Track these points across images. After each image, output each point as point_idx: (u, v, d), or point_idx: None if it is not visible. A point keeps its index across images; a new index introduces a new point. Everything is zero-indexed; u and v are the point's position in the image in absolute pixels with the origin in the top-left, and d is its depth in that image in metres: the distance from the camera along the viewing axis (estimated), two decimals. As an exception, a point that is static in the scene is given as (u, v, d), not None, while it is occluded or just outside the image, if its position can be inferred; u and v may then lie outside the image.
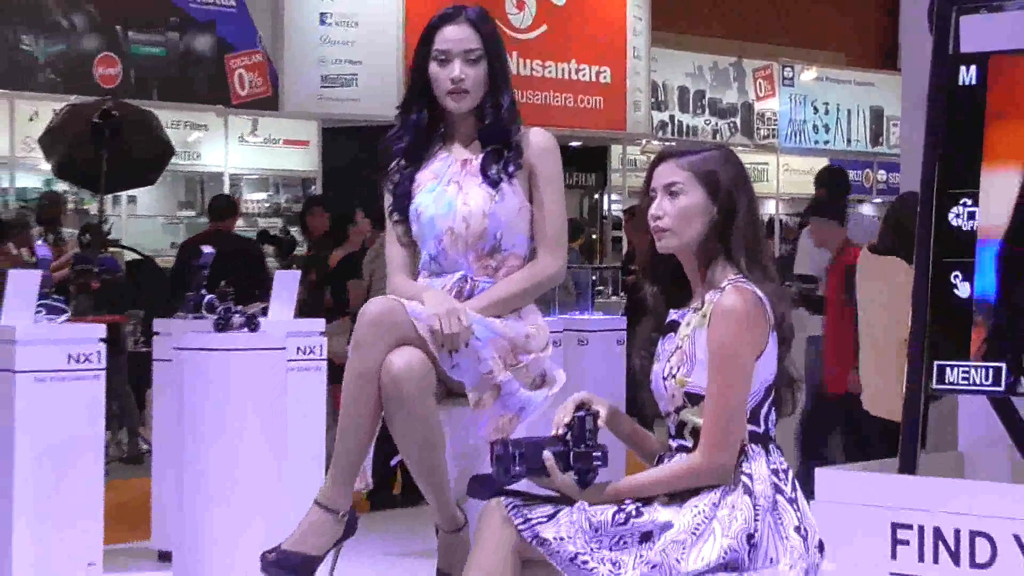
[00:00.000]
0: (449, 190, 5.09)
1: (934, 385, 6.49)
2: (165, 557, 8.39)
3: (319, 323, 9.67)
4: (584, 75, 19.72)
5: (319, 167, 18.74)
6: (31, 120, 16.61)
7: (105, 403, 8.84)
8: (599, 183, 21.94)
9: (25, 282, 8.68)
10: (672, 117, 22.08)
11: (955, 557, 6.19)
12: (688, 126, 22.17)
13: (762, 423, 4.57)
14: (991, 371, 6.34)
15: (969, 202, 6.50)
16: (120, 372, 11.80)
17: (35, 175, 17.45)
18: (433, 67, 5.06)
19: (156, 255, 17.48)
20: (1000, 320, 6.27)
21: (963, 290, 6.41)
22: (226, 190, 18.05)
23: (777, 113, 23.35)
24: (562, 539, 4.40)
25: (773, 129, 23.27)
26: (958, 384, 6.46)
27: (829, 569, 4.68)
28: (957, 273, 6.42)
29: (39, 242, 13.89)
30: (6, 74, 16.36)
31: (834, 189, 12.81)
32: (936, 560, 6.24)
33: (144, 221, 18.30)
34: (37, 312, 8.60)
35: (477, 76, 5.04)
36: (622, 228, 13.32)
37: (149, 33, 17.25)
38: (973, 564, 6.15)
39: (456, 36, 5.05)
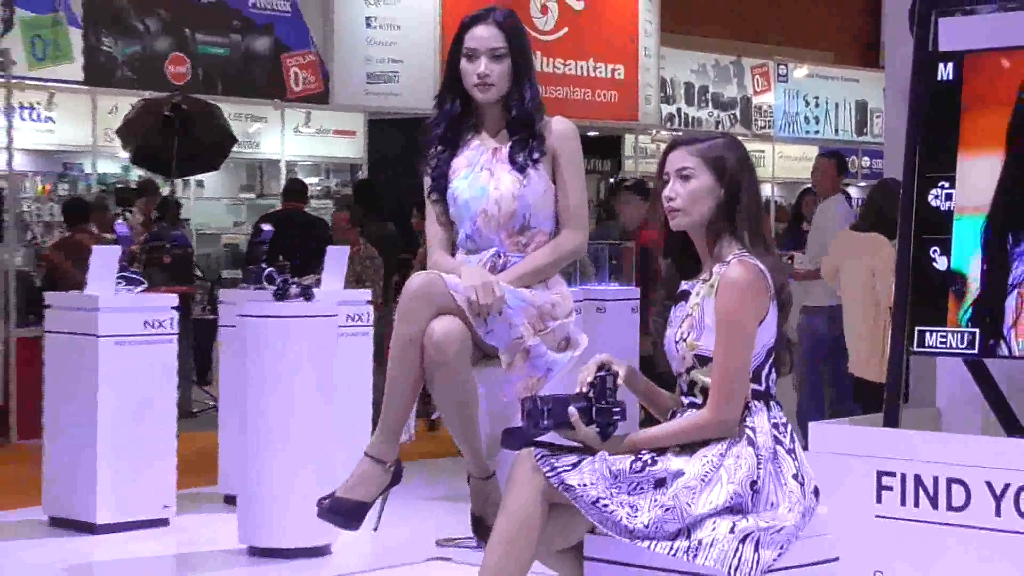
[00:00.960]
0: (482, 176, 5.08)
1: (915, 348, 6.50)
2: (230, 501, 8.41)
3: (366, 293, 9.67)
4: (600, 72, 19.68)
5: (365, 155, 18.74)
6: (110, 113, 16.63)
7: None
8: (614, 168, 21.87)
9: (106, 257, 8.74)
10: (679, 110, 22.05)
11: (933, 502, 6.20)
12: (693, 118, 22.14)
13: (763, 382, 4.56)
14: (966, 336, 6.34)
15: (947, 185, 6.49)
16: (185, 337, 11.82)
17: (114, 162, 17.47)
18: (463, 62, 5.06)
19: (221, 232, 17.58)
20: (974, 290, 6.29)
21: (941, 263, 6.41)
22: (282, 176, 18.09)
23: (772, 106, 23.28)
24: (585, 485, 4.40)
25: (769, 120, 23.22)
26: (936, 347, 6.47)
27: (822, 512, 4.67)
28: (936, 248, 6.43)
29: (118, 221, 13.92)
30: (89, 73, 16.36)
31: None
32: (917, 504, 6.24)
33: (210, 203, 18.29)
34: (117, 283, 8.65)
35: (501, 71, 5.03)
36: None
37: (214, 35, 17.24)
38: (949, 507, 6.15)
39: (483, 35, 5.04)
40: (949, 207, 6.50)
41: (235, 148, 16.16)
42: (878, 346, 7.81)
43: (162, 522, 8.48)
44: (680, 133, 17.09)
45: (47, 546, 8.10)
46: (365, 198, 14.12)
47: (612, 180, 18.15)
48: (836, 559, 4.77)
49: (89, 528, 8.30)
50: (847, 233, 9.26)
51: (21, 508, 8.88)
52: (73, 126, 17.40)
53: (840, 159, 11.71)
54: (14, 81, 13.70)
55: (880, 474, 6.32)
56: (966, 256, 6.45)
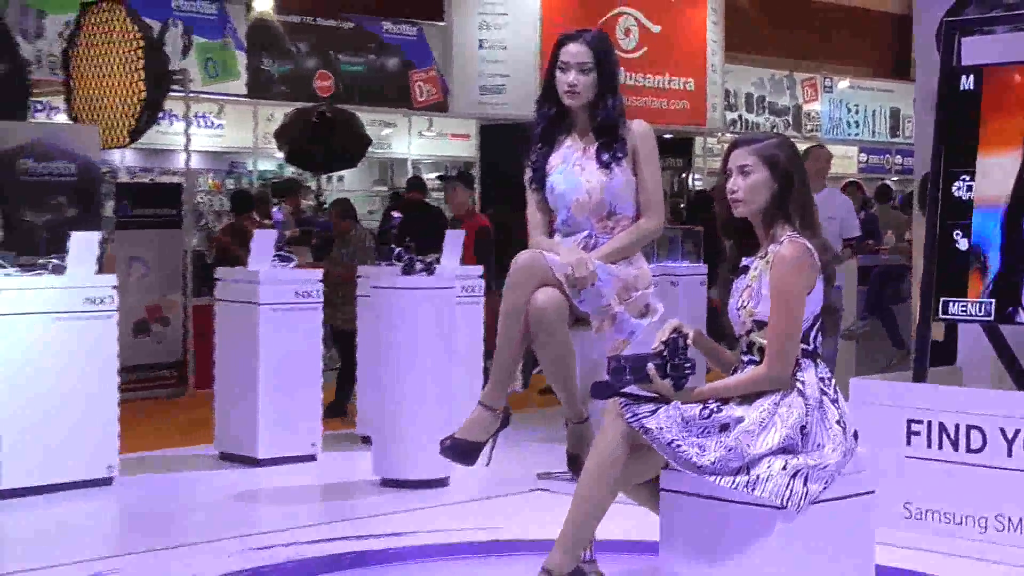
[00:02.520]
0: (575, 171, 5.07)
1: (939, 316, 6.47)
2: (366, 440, 8.43)
3: (478, 269, 9.68)
4: (675, 85, 19.57)
5: (477, 154, 18.78)
6: (268, 120, 16.76)
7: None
8: (685, 165, 21.84)
9: (265, 239, 8.83)
10: (740, 116, 21.93)
11: (955, 445, 6.19)
12: (752, 123, 22.00)
13: (811, 343, 4.54)
14: (983, 305, 6.31)
15: (967, 178, 6.47)
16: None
17: (271, 161, 17.58)
18: (558, 73, 5.06)
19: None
20: (993, 267, 6.25)
21: (962, 244, 6.39)
22: (408, 172, 18.16)
23: (819, 113, 23.08)
24: (661, 428, 4.39)
25: (817, 125, 23.06)
26: (958, 315, 6.44)
27: (860, 453, 4.63)
28: (958, 231, 6.41)
29: (275, 209, 14.03)
30: (251, 87, 16.49)
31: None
32: (940, 447, 6.22)
33: (349, 194, 18.31)
34: (273, 261, 8.72)
35: (587, 82, 5.01)
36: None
37: (353, 56, 17.31)
38: (968, 450, 6.15)
39: (574, 51, 5.03)
40: (969, 197, 6.47)
41: (370, 149, 16.31)
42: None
43: (311, 457, 8.56)
44: (739, 136, 16.88)
45: (218, 476, 8.18)
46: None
47: (443, 173, 18.03)
48: (872, 492, 4.72)
49: (252, 462, 8.39)
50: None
51: (197, 445, 8.98)
52: (238, 132, 17.55)
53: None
54: (191, 95, 13.79)
55: (909, 422, 6.31)
56: (985, 238, 6.41)
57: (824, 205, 7.81)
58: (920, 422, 6.26)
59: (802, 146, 6.98)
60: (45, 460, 7.47)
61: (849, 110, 23.07)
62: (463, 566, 5.61)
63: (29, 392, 7.44)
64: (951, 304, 6.44)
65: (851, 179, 14.81)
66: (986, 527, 6.08)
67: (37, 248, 8.17)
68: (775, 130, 21.41)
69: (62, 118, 13.40)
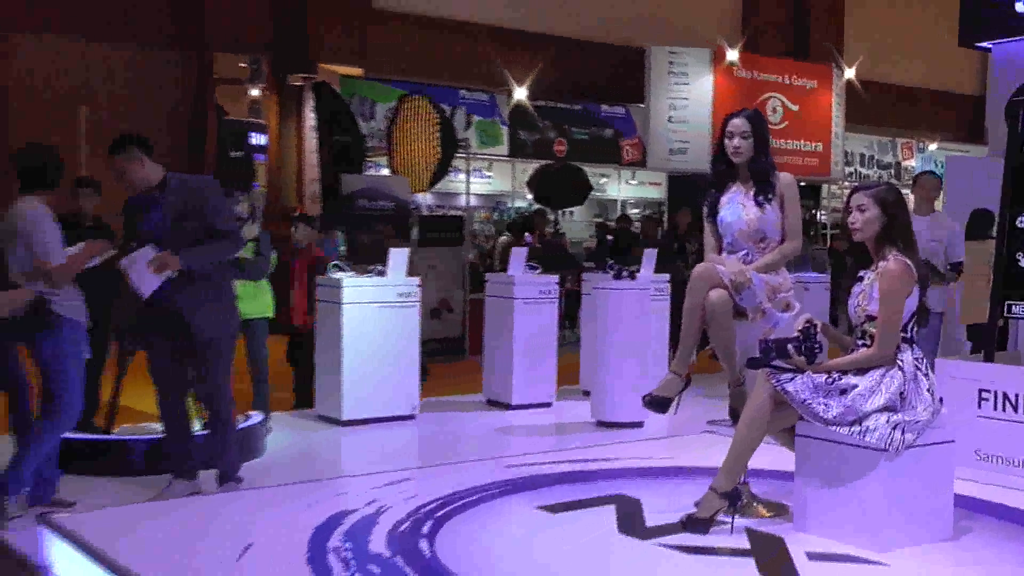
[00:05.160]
0: (739, 208, 5.01)
1: (1006, 315, 6.26)
2: (586, 393, 8.44)
3: (666, 276, 9.58)
4: (808, 147, 19.21)
5: (666, 196, 18.71)
6: (522, 172, 16.93)
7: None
8: (815, 204, 21.32)
9: (519, 254, 8.89)
10: (855, 170, 21.36)
11: (1015, 408, 5.91)
12: (863, 175, 21.42)
13: (909, 332, 4.51)
14: None
15: (1027, 215, 6.22)
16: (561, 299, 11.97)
17: (523, 200, 17.72)
18: (726, 140, 5.01)
19: (582, 241, 17.69)
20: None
21: (1023, 263, 6.13)
22: (618, 209, 18.21)
23: (914, 167, 22.29)
24: (797, 391, 4.40)
25: (912, 177, 22.39)
26: (1019, 314, 6.21)
27: (944, 413, 4.50)
28: (1020, 253, 6.13)
29: (527, 234, 14.14)
30: (511, 150, 16.80)
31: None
32: (1004, 410, 5.95)
33: (576, 223, 18.42)
34: (525, 269, 8.79)
35: (747, 145, 4.96)
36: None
37: (581, 128, 17.40)
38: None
39: (737, 124, 4.97)
40: (1029, 228, 6.22)
41: (592, 193, 16.37)
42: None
43: (547, 404, 8.58)
44: (857, 184, 16.82)
45: (484, 416, 8.27)
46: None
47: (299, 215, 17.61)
48: (952, 441, 4.62)
49: (507, 406, 8.45)
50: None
51: (470, 394, 9.07)
52: (502, 180, 17.84)
53: None
54: (470, 155, 14.05)
55: (980, 391, 6.08)
56: (1038, 259, 6.16)
57: (932, 228, 7.44)
58: (989, 391, 6.04)
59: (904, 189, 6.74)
60: (371, 401, 7.69)
61: (936, 165, 22.19)
62: (653, 483, 5.59)
63: (364, 355, 7.67)
64: (1013, 306, 6.21)
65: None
66: (1037, 470, 5.85)
67: (369, 259, 8.39)
68: (880, 180, 20.87)
69: (385, 172, 13.79)
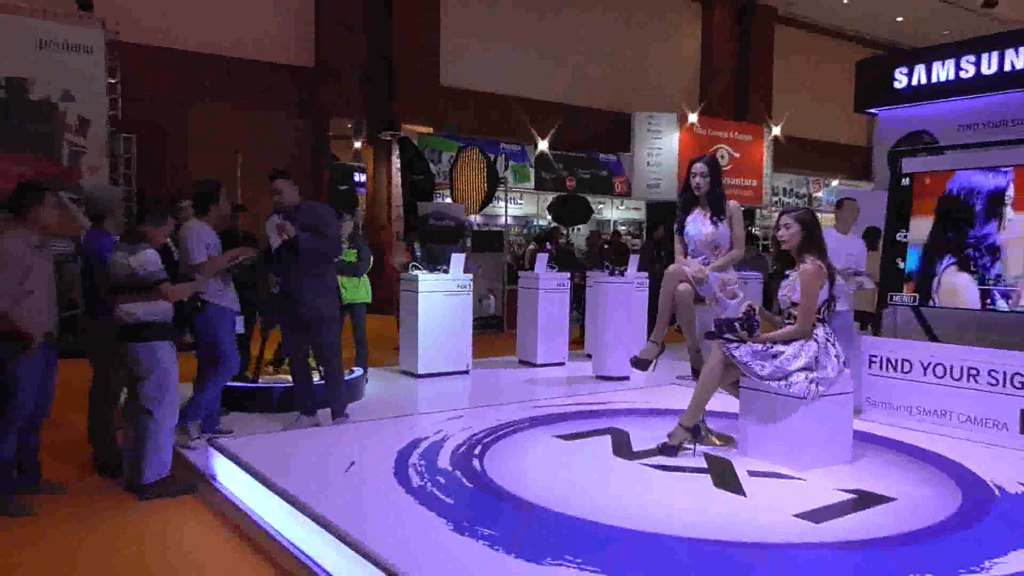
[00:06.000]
0: (699, 225, 4.93)
1: (888, 303, 6.06)
2: (589, 356, 8.34)
3: (644, 274, 9.39)
4: (746, 183, 18.95)
5: (645, 217, 18.50)
6: (544, 200, 16.79)
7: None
8: (751, 223, 20.94)
9: (543, 258, 8.76)
10: (780, 199, 21.01)
11: (894, 368, 5.70)
12: (786, 202, 21.11)
13: (822, 314, 4.37)
14: (911, 297, 5.88)
15: (905, 232, 6.03)
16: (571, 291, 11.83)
17: (544, 220, 17.54)
18: (690, 178, 4.94)
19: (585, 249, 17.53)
20: (916, 278, 5.81)
21: (903, 266, 5.93)
22: (611, 228, 18.04)
23: (821, 198, 21.90)
24: (741, 355, 4.31)
25: (819, 205, 21.89)
26: (899, 303, 6.01)
27: (847, 371, 4.37)
28: (900, 259, 5.94)
29: (547, 244, 14.01)
30: (536, 184, 16.66)
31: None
32: (885, 370, 5.74)
33: (581, 236, 18.19)
34: (547, 268, 8.67)
35: (705, 182, 4.89)
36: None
37: (585, 169, 17.27)
38: (900, 371, 5.67)
39: (699, 167, 4.94)
40: (906, 240, 6.03)
41: (592, 215, 16.17)
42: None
43: (562, 363, 8.41)
44: (782, 207, 16.74)
45: (516, 371, 8.17)
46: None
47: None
48: (851, 392, 4.50)
49: (533, 365, 8.36)
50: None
51: (507, 356, 9.00)
52: (530, 206, 17.64)
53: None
54: (508, 189, 13.94)
55: (870, 356, 5.90)
56: (912, 263, 5.97)
57: (847, 244, 7.17)
58: (876, 356, 5.87)
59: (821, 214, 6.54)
60: (437, 360, 7.64)
61: (835, 195, 21.92)
62: (637, 420, 5.52)
63: (433, 328, 7.62)
64: (895, 296, 6.05)
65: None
66: (912, 412, 5.67)
67: (436, 261, 8.34)
68: (800, 206, 20.61)
69: (448, 200, 13.76)
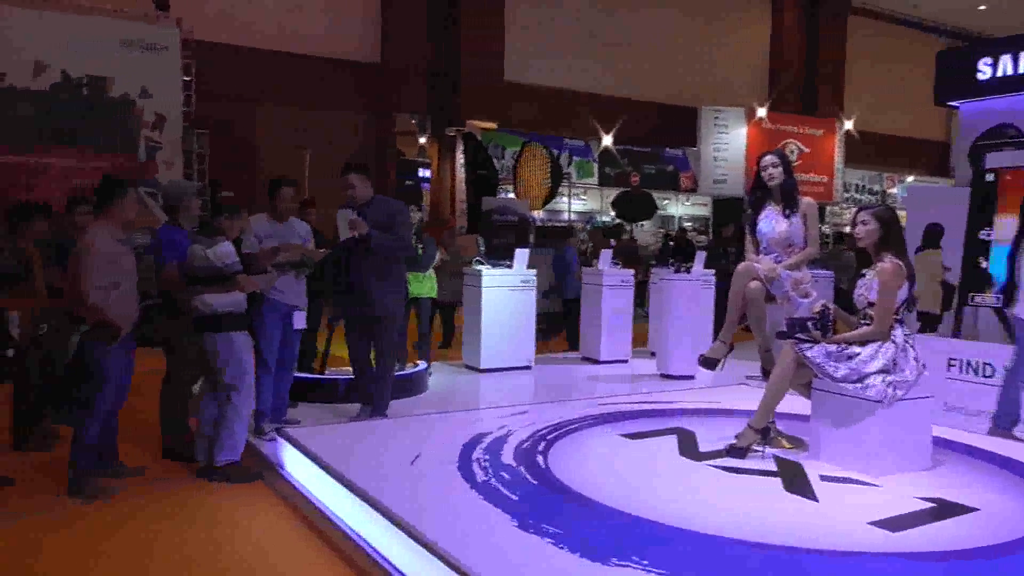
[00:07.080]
0: (771, 222, 4.82)
1: (970, 303, 5.84)
2: (653, 354, 8.21)
3: (711, 271, 9.21)
4: (816, 179, 18.47)
5: (711, 213, 18.24)
6: (607, 197, 16.71)
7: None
8: (822, 221, 20.61)
9: (607, 254, 8.65)
10: (851, 195, 20.52)
11: (975, 372, 5.48)
12: (858, 199, 20.56)
13: (900, 315, 4.21)
14: (995, 299, 5.68)
15: (989, 229, 5.79)
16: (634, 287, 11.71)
17: (608, 216, 17.47)
18: (761, 172, 4.83)
19: (648, 245, 17.30)
20: (1002, 279, 5.58)
21: (984, 265, 5.72)
22: (676, 224, 17.83)
23: (896, 194, 21.27)
24: (814, 356, 4.20)
25: (894, 201, 21.28)
26: (981, 304, 5.80)
27: (926, 374, 4.24)
28: (981, 259, 5.75)
29: (612, 240, 13.91)
30: (600, 180, 16.57)
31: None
32: (967, 373, 5.53)
33: (646, 233, 18.06)
34: (611, 265, 8.58)
35: (778, 172, 4.78)
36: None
37: (651, 164, 17.14)
38: (980, 375, 5.45)
39: (769, 158, 4.84)
40: (989, 238, 5.79)
41: (657, 211, 16.00)
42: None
43: (625, 361, 8.28)
44: (860, 205, 16.36)
45: (580, 367, 8.08)
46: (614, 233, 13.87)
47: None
48: (931, 397, 4.34)
49: (596, 361, 8.28)
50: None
51: (570, 352, 8.97)
52: (593, 201, 17.56)
53: None
54: (572, 184, 13.88)
55: (949, 359, 5.68)
56: (998, 263, 5.72)
57: None
58: (956, 360, 5.65)
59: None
60: (500, 355, 7.64)
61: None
62: (704, 420, 5.42)
63: (496, 323, 7.62)
64: (976, 297, 5.81)
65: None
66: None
67: (500, 256, 8.34)
68: (875, 203, 20.03)
69: (512, 195, 13.76)
